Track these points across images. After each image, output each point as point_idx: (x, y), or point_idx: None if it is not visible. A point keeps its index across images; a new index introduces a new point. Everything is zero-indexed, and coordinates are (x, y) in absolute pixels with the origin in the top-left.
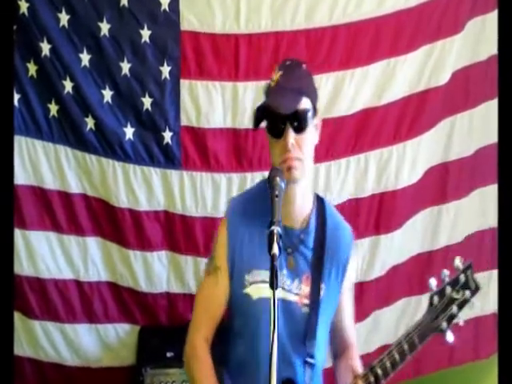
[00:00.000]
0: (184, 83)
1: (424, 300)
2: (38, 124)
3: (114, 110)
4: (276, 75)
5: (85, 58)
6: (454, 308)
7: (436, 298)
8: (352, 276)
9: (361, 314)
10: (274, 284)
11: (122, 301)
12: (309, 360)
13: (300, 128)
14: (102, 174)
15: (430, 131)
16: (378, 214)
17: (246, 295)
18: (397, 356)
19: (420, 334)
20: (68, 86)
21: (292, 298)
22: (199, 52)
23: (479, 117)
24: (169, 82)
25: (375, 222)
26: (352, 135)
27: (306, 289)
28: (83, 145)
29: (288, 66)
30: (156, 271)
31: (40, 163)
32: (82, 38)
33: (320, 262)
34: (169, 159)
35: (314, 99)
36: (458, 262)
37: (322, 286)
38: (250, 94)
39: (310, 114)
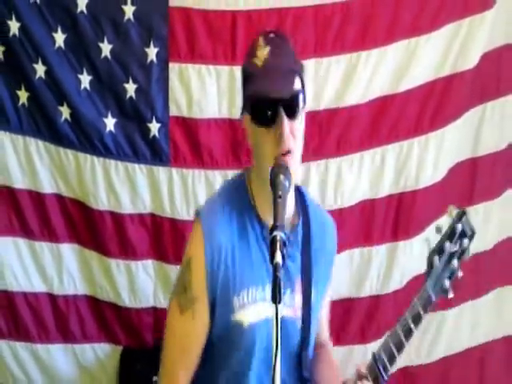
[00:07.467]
0: (173, 67)
1: (450, 316)
2: (6, 114)
3: (93, 98)
4: (262, 52)
5: (59, 37)
6: (455, 262)
7: (436, 259)
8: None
9: (375, 333)
10: (276, 299)
11: (102, 317)
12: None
13: (294, 113)
14: (79, 172)
15: (457, 122)
16: (396, 217)
17: (234, 323)
18: (401, 335)
19: (424, 304)
20: (40, 69)
21: (285, 312)
22: (190, 31)
23: None
24: (155, 66)
25: (393, 226)
26: (366, 126)
27: (299, 298)
28: (57, 138)
29: (275, 39)
30: (141, 283)
31: (7, 159)
32: (56, 14)
33: (308, 264)
34: (156, 154)
35: (303, 78)
36: (452, 209)
37: (313, 290)
38: None
39: (302, 96)
